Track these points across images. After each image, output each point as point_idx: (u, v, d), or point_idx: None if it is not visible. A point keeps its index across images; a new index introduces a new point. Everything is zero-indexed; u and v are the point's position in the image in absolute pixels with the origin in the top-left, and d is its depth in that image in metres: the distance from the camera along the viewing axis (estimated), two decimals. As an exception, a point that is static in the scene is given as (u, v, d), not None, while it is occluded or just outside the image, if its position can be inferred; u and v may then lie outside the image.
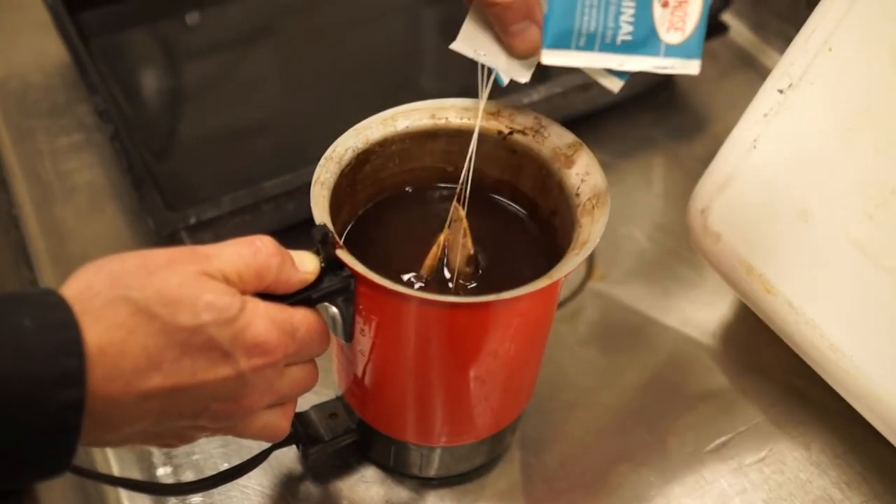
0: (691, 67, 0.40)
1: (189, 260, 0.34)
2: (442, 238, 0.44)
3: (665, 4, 0.39)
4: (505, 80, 0.41)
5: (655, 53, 0.40)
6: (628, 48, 0.40)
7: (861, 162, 0.45)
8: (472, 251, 0.44)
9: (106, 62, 0.69)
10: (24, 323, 0.29)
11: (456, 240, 0.43)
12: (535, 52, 0.40)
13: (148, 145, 0.64)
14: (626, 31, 0.39)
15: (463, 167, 0.44)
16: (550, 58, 0.40)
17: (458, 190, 0.44)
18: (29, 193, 0.63)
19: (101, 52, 0.70)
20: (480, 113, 0.44)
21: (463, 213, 0.43)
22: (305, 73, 0.72)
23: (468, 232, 0.43)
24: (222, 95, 0.69)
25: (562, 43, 0.39)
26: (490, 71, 0.42)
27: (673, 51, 0.40)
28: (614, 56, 0.40)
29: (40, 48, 0.72)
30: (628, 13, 0.39)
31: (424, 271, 0.44)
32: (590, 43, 0.40)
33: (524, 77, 0.41)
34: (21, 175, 0.64)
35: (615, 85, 0.41)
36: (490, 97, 0.43)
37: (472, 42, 0.41)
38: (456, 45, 0.41)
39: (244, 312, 0.34)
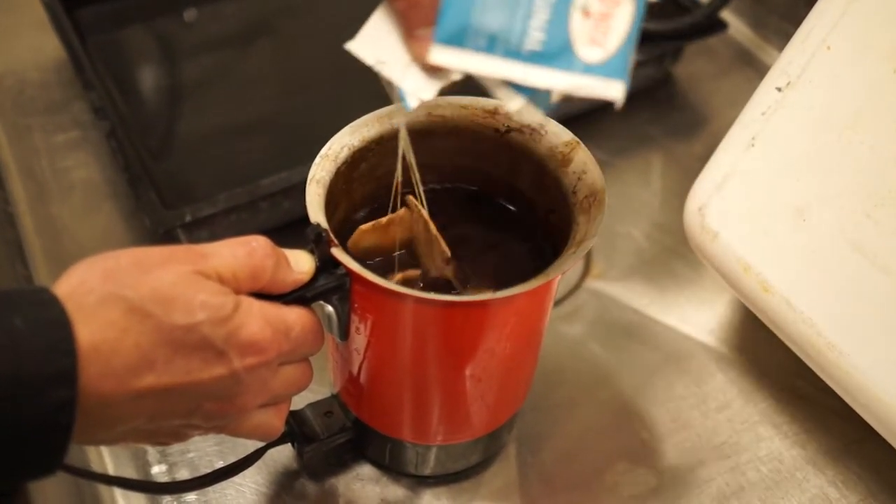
0: (612, 90, 0.34)
1: (184, 259, 0.34)
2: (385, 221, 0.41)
3: (587, 14, 0.33)
4: (411, 103, 0.35)
5: (569, 68, 0.33)
6: (537, 59, 0.33)
7: (859, 160, 0.45)
8: (447, 254, 0.42)
9: (102, 59, 0.69)
10: (16, 321, 0.29)
11: (427, 244, 0.42)
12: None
13: (144, 143, 0.64)
14: (535, 38, 0.33)
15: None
16: (441, 55, 0.33)
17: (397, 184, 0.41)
18: (25, 191, 0.63)
19: (97, 49, 0.70)
20: (402, 125, 0.40)
21: (425, 212, 0.41)
22: (302, 71, 0.72)
23: (437, 235, 0.41)
24: (219, 93, 0.69)
25: (457, 39, 0.33)
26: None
27: (592, 69, 0.33)
28: (517, 65, 0.33)
29: (37, 45, 0.72)
30: (540, 18, 0.33)
31: (397, 278, 0.43)
32: (490, 45, 0.33)
33: (428, 93, 0.35)
34: (17, 172, 0.64)
35: (514, 102, 0.34)
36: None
37: (374, 45, 0.35)
38: (352, 45, 0.35)
39: (238, 312, 0.34)
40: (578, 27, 0.33)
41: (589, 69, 0.34)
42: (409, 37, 0.34)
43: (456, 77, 0.35)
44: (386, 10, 0.35)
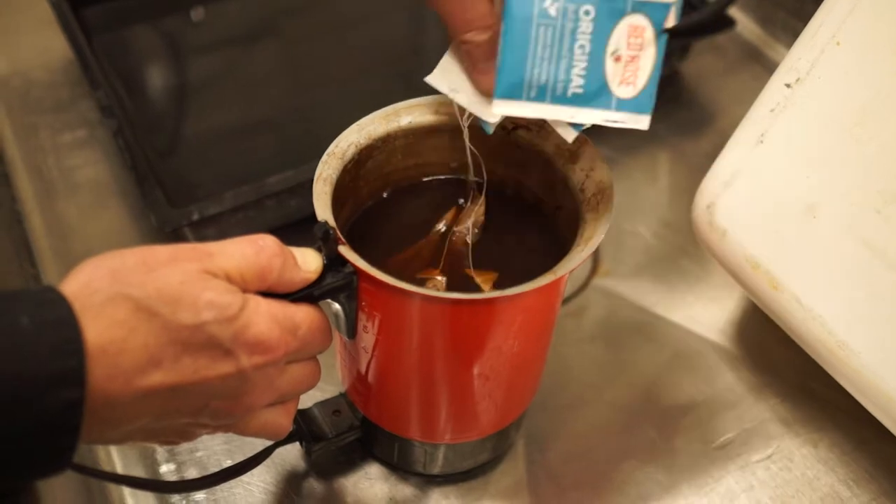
0: (641, 123, 0.40)
1: (191, 257, 0.34)
2: (438, 236, 0.43)
3: (618, 59, 0.39)
4: (490, 127, 0.41)
5: (607, 107, 0.40)
6: (579, 101, 0.39)
7: (869, 157, 0.44)
8: (482, 219, 0.44)
9: (109, 58, 0.69)
10: (23, 321, 0.29)
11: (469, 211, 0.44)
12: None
13: (151, 141, 0.64)
14: (577, 83, 0.39)
15: (466, 163, 0.44)
16: (502, 107, 0.39)
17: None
18: (32, 189, 0.63)
19: (104, 48, 0.70)
20: (467, 142, 0.44)
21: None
22: (309, 70, 0.72)
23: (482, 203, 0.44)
24: (225, 92, 0.69)
25: (513, 94, 0.39)
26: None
27: (624, 105, 0.40)
28: (566, 108, 0.40)
29: (44, 45, 0.72)
30: (580, 66, 0.39)
31: (418, 265, 0.43)
32: (541, 94, 0.39)
33: (494, 118, 0.41)
34: (24, 171, 0.64)
35: (569, 135, 0.41)
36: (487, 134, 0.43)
37: (447, 77, 0.41)
38: (431, 79, 0.41)
39: (245, 310, 0.34)
40: (612, 70, 0.39)
41: (622, 104, 0.40)
42: (473, 70, 0.41)
43: None
44: (453, 50, 0.41)
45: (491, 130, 0.42)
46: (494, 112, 0.40)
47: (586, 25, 0.38)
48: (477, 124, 0.42)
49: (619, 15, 0.38)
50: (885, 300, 0.43)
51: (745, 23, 0.75)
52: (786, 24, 0.73)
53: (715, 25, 0.68)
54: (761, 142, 0.48)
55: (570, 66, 0.39)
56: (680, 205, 0.62)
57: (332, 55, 0.72)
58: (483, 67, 0.40)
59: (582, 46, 0.38)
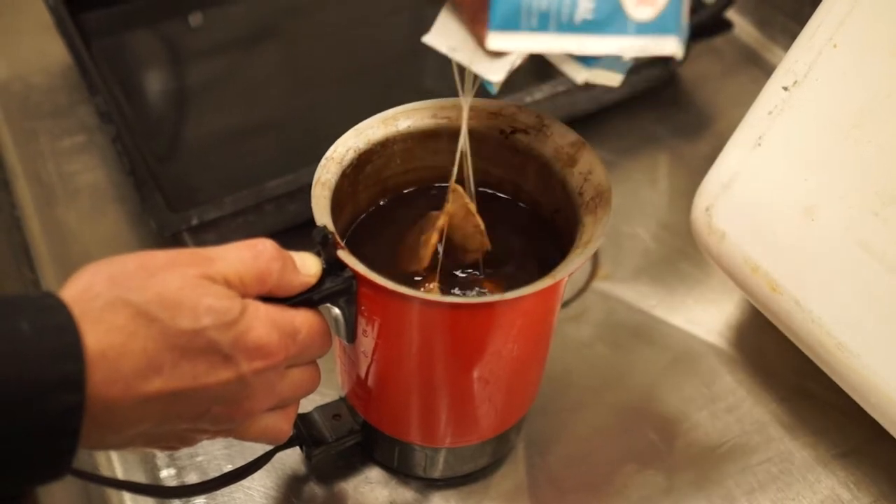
0: (667, 45, 0.34)
1: (190, 262, 0.34)
2: (436, 233, 0.43)
3: None
4: (493, 87, 0.37)
5: (623, 32, 0.34)
6: (590, 28, 0.34)
7: (867, 159, 0.45)
8: (488, 246, 0.43)
9: (108, 63, 0.69)
10: (23, 326, 0.29)
11: (463, 232, 0.43)
12: None
13: (150, 146, 0.64)
14: (585, 7, 0.34)
15: (467, 166, 0.44)
16: (498, 41, 0.34)
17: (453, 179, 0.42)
18: (31, 195, 0.63)
19: (103, 53, 0.70)
20: (465, 112, 0.41)
21: (472, 205, 0.42)
22: (307, 74, 0.72)
23: (482, 228, 0.43)
24: (224, 96, 0.69)
25: (510, 24, 0.34)
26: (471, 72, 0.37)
27: (645, 28, 0.34)
28: (574, 38, 0.34)
29: (42, 50, 0.72)
30: None
31: (423, 262, 0.43)
32: (543, 23, 0.34)
33: (497, 75, 0.36)
34: (23, 176, 0.64)
35: (578, 74, 0.36)
36: (492, 96, 0.42)
37: (446, 36, 0.37)
38: (428, 38, 0.37)
39: (245, 315, 0.34)
40: None
41: (641, 28, 0.34)
42: (472, 23, 0.36)
43: (518, 59, 0.36)
44: (449, 7, 0.37)
45: (495, 90, 0.37)
46: (489, 46, 0.35)
47: None
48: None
49: None
50: (884, 302, 0.44)
51: (742, 26, 0.75)
52: (784, 27, 0.73)
53: (713, 28, 0.68)
54: (759, 144, 0.48)
55: None
56: (679, 207, 0.62)
57: (331, 59, 0.72)
58: (483, 17, 0.35)
59: None
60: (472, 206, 0.43)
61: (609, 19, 0.34)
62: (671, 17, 0.34)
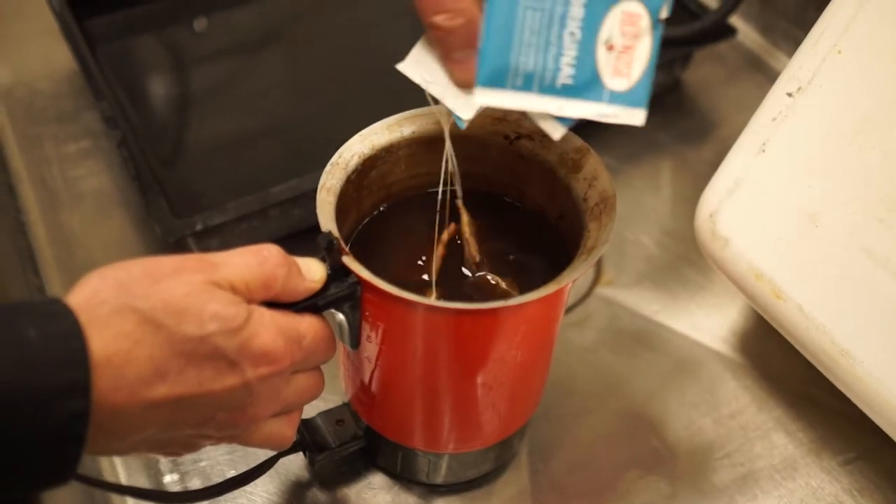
0: (635, 117, 0.37)
1: (196, 268, 0.34)
2: (442, 247, 0.43)
3: (610, 48, 0.36)
4: (463, 123, 0.39)
5: (598, 99, 0.37)
6: (569, 92, 0.37)
7: (871, 166, 0.45)
8: (477, 258, 0.44)
9: (113, 69, 0.69)
10: (29, 332, 0.29)
11: (464, 247, 0.43)
12: (474, 84, 0.37)
13: (155, 152, 0.64)
14: (567, 73, 0.36)
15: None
16: (485, 97, 0.37)
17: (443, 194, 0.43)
18: (36, 200, 0.63)
19: (108, 58, 0.70)
20: (447, 143, 0.42)
21: (466, 219, 0.43)
22: (312, 79, 0.72)
23: (473, 239, 0.43)
24: (229, 101, 0.69)
25: (497, 82, 0.36)
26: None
27: (617, 98, 0.37)
28: (554, 100, 0.37)
29: (48, 55, 0.72)
30: (570, 55, 0.36)
31: (433, 275, 0.43)
32: (527, 83, 0.37)
33: (467, 114, 0.38)
34: (28, 182, 0.64)
35: (557, 131, 0.38)
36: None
37: (420, 66, 0.38)
38: (402, 66, 0.39)
39: (250, 322, 0.34)
40: (604, 60, 0.36)
41: (615, 97, 0.37)
42: (447, 60, 0.38)
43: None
44: (427, 35, 0.39)
45: (464, 126, 0.39)
46: (476, 102, 0.37)
47: (577, 10, 0.36)
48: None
49: (612, 0, 0.36)
50: (888, 309, 0.43)
51: (746, 31, 0.75)
52: (787, 33, 0.73)
53: (716, 34, 0.68)
54: (763, 151, 0.48)
55: (559, 55, 0.36)
56: (682, 213, 0.62)
57: (335, 64, 0.72)
58: (458, 56, 0.37)
59: (572, 33, 0.36)
60: (466, 231, 0.43)
61: (587, 86, 0.37)
62: (642, 90, 0.37)
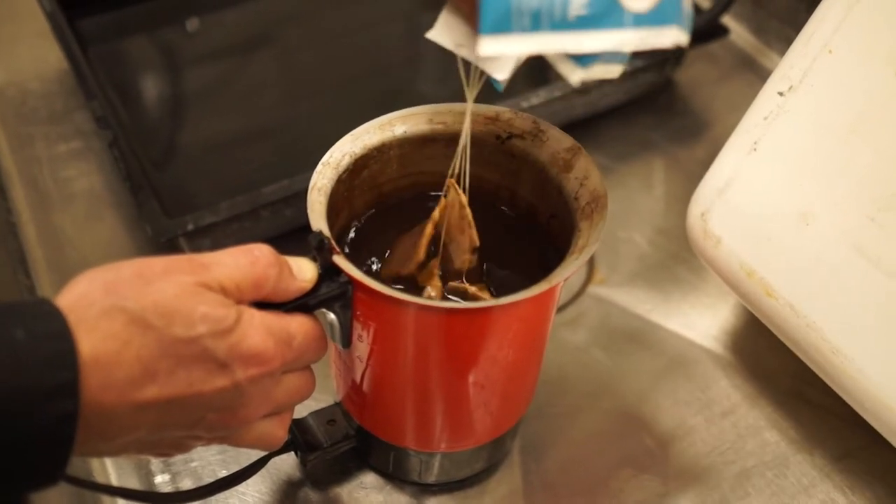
0: (669, 36, 0.33)
1: (186, 269, 0.34)
2: (431, 224, 0.42)
3: None
4: (500, 85, 0.37)
5: (619, 25, 0.33)
6: (585, 24, 0.33)
7: (862, 165, 0.45)
8: (476, 242, 0.43)
9: (104, 69, 0.69)
10: (18, 333, 0.29)
11: (457, 229, 0.43)
12: None
13: (146, 152, 0.64)
14: (579, 2, 0.32)
15: (465, 164, 0.44)
16: (490, 46, 0.33)
17: (451, 174, 0.42)
18: (27, 200, 0.63)
19: (99, 59, 0.70)
20: (469, 107, 0.40)
21: (464, 197, 0.42)
22: (304, 80, 0.72)
23: (471, 221, 0.42)
24: (220, 102, 0.69)
25: (502, 26, 0.33)
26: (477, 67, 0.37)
27: (643, 20, 0.32)
28: (569, 35, 0.33)
29: (39, 55, 0.72)
30: None
31: (412, 265, 0.43)
32: (536, 22, 0.33)
33: (503, 73, 0.35)
34: (19, 182, 0.64)
35: (575, 74, 0.34)
36: (488, 102, 0.42)
37: (450, 32, 0.36)
38: (432, 34, 0.36)
39: (240, 323, 0.34)
40: None
41: (640, 20, 0.33)
42: (471, 21, 0.35)
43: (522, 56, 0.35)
44: (452, 4, 0.36)
45: (502, 88, 0.36)
46: (482, 52, 0.33)
47: None
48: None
49: None
50: (879, 307, 0.44)
51: (738, 31, 0.75)
52: (779, 33, 0.73)
53: (709, 34, 0.68)
54: (755, 149, 0.48)
55: None
56: (674, 212, 0.62)
57: (327, 65, 0.72)
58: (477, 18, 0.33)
59: None
60: (465, 199, 0.42)
61: (604, 13, 0.33)
62: (671, 4, 0.33)
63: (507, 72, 0.36)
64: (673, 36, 0.33)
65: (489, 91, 0.41)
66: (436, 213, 0.43)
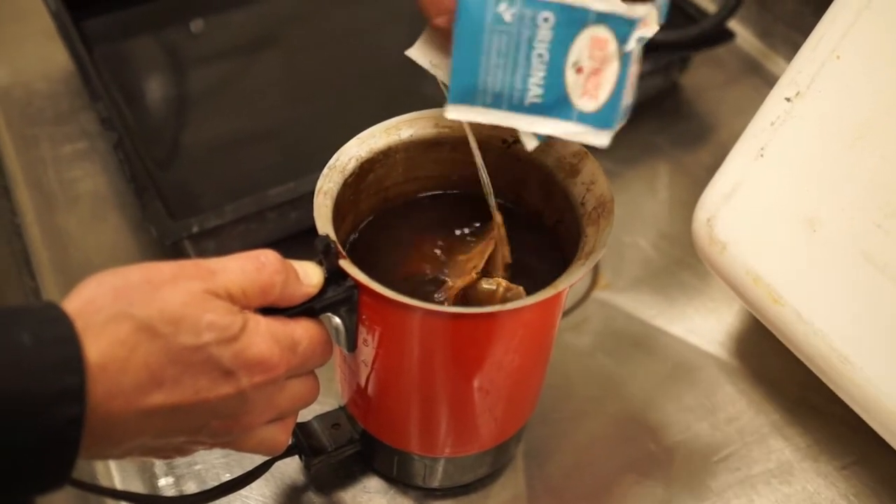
0: (601, 138, 0.38)
1: (193, 276, 0.34)
2: (489, 246, 0.43)
3: (579, 70, 0.37)
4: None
5: (567, 118, 0.38)
6: (538, 110, 0.38)
7: (869, 171, 0.45)
8: (509, 260, 0.44)
9: (110, 70, 0.69)
10: (24, 337, 0.29)
11: (496, 248, 0.44)
12: None
13: (151, 153, 0.64)
14: (535, 93, 0.38)
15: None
16: (456, 112, 0.38)
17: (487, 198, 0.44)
18: (32, 202, 0.63)
19: (105, 59, 0.70)
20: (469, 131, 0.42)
21: (499, 216, 0.43)
22: (309, 82, 0.72)
23: (506, 240, 0.43)
24: (226, 103, 0.69)
25: (467, 99, 0.38)
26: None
27: (586, 118, 0.38)
28: (524, 117, 0.38)
29: (45, 56, 0.72)
30: (538, 76, 0.37)
31: (470, 276, 0.43)
32: (497, 101, 0.38)
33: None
34: (24, 183, 0.64)
35: (531, 143, 0.39)
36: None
37: (427, 52, 0.41)
38: (411, 52, 0.41)
39: (245, 331, 0.34)
40: (573, 81, 0.37)
41: (583, 117, 0.38)
42: (449, 53, 0.38)
43: None
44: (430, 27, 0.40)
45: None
46: (448, 116, 0.38)
47: (545, 33, 0.37)
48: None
49: (580, 25, 0.37)
50: (887, 314, 0.43)
51: (744, 35, 0.75)
52: (785, 37, 0.73)
53: (715, 38, 0.68)
54: (762, 155, 0.48)
55: (526, 75, 0.37)
56: (679, 217, 0.62)
57: (332, 66, 0.72)
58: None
59: (540, 55, 0.37)
60: (500, 219, 0.43)
61: (556, 105, 0.38)
62: (609, 112, 0.38)
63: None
64: (603, 139, 0.38)
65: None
66: (498, 231, 0.43)
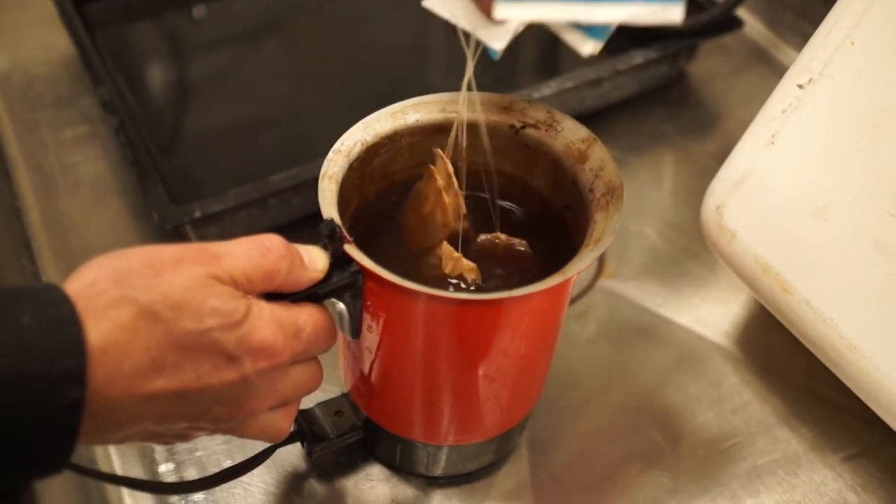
0: (672, 13, 0.34)
1: (196, 260, 0.33)
2: (442, 182, 0.42)
3: None
4: (496, 53, 0.37)
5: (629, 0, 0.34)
6: None
7: (882, 159, 0.44)
8: (464, 209, 0.42)
9: (111, 54, 0.69)
10: (25, 319, 0.29)
11: (445, 195, 0.42)
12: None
13: (153, 138, 0.64)
14: None
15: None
16: (505, 11, 0.34)
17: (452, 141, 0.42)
18: (32, 186, 0.63)
19: (106, 44, 0.69)
20: (468, 73, 0.40)
21: (451, 166, 0.41)
22: (312, 67, 0.71)
23: (458, 190, 0.41)
24: (228, 89, 0.69)
25: None
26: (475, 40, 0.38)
27: None
28: (579, 6, 0.34)
29: (46, 40, 0.72)
30: None
31: (443, 232, 0.42)
32: None
33: (500, 42, 0.36)
34: (25, 167, 0.64)
35: (583, 46, 0.36)
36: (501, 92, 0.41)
37: (446, 3, 0.37)
38: (428, 3, 0.38)
39: (249, 316, 0.33)
40: None
41: None
42: None
43: (521, 26, 0.37)
44: None
45: (497, 56, 0.37)
46: (497, 15, 0.34)
47: None
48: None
49: None
50: (896, 304, 0.43)
51: (752, 24, 0.74)
52: (793, 26, 0.72)
53: (722, 26, 0.67)
54: (772, 143, 0.47)
55: None
56: (686, 206, 0.62)
57: (335, 52, 0.71)
58: None
59: None
60: (451, 168, 0.42)
61: None
62: None
63: (505, 41, 0.36)
64: (675, 14, 0.34)
65: (502, 81, 0.41)
66: (439, 181, 0.42)
